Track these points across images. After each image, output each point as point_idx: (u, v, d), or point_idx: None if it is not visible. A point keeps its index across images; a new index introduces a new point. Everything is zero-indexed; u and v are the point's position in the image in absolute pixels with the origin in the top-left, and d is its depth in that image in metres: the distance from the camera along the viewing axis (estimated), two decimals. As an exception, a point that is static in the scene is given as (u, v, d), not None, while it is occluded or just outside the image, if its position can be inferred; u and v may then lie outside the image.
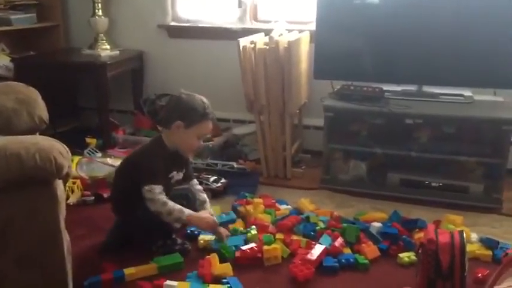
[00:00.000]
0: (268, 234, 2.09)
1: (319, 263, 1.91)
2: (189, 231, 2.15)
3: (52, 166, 1.41)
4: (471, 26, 2.59)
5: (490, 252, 2.01)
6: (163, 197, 1.92)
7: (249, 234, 2.09)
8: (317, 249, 1.95)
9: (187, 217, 1.94)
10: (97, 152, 2.95)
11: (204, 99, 2.05)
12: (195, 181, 2.22)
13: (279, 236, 2.10)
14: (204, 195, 2.17)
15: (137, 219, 1.96)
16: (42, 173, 1.41)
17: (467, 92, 2.77)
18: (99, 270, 1.85)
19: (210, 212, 2.09)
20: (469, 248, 1.86)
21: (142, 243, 2.03)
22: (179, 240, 2.06)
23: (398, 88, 2.84)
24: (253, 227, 2.14)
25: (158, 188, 1.92)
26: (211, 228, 2.00)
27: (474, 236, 2.12)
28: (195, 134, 2.02)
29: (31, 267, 1.49)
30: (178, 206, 1.93)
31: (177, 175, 2.09)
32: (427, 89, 2.78)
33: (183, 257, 1.95)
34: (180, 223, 2.02)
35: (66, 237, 1.57)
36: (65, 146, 1.52)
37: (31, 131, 1.79)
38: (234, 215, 2.28)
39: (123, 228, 2.04)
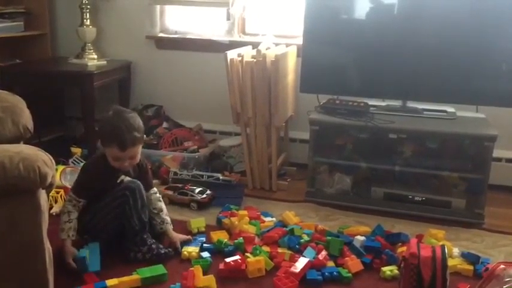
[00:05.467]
0: (256, 245, 2.10)
1: (302, 275, 1.91)
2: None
3: (36, 175, 1.41)
4: (455, 44, 2.64)
5: (471, 267, 2.03)
6: (69, 206, 2.00)
7: (236, 241, 2.11)
8: (301, 262, 1.96)
9: (62, 238, 1.96)
10: (82, 162, 2.93)
11: (124, 123, 1.96)
12: (155, 189, 2.23)
13: (265, 248, 2.11)
14: (161, 204, 2.19)
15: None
16: (26, 182, 1.40)
17: (450, 108, 2.82)
18: (81, 282, 1.83)
19: (167, 222, 2.16)
20: (450, 262, 1.89)
21: (127, 252, 2.04)
22: (161, 245, 2.07)
23: (383, 103, 2.88)
24: (241, 238, 2.14)
25: (74, 199, 2.01)
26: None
27: (456, 251, 2.14)
28: (108, 155, 2.01)
29: (12, 278, 1.48)
30: (66, 225, 1.96)
31: (126, 178, 2.12)
32: (411, 104, 2.82)
33: (165, 264, 1.96)
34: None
35: (48, 247, 1.56)
36: (49, 155, 1.51)
37: (15, 140, 1.78)
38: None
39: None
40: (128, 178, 2.11)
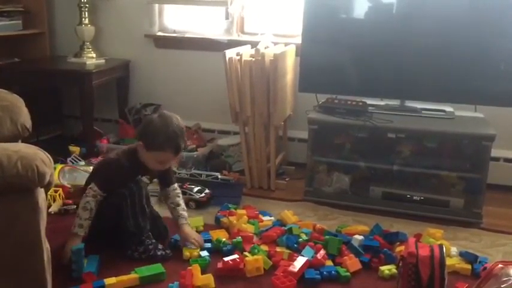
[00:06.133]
0: (254, 244, 2.11)
1: (301, 275, 1.92)
2: (172, 239, 2.15)
3: (34, 174, 1.41)
4: (453, 43, 2.64)
5: (469, 266, 2.04)
6: (92, 202, 1.98)
7: (234, 240, 2.11)
8: (299, 261, 1.96)
9: (73, 233, 1.96)
10: (80, 161, 2.93)
11: (178, 129, 2.00)
12: (175, 186, 2.23)
13: (263, 247, 2.11)
14: (178, 199, 2.20)
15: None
16: (24, 181, 1.40)
17: (448, 108, 2.82)
18: (79, 281, 1.83)
19: (182, 217, 2.15)
20: (448, 261, 1.89)
21: (124, 251, 2.04)
22: (160, 246, 2.06)
23: (382, 102, 2.88)
24: (239, 237, 2.14)
25: (98, 191, 1.99)
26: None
27: (454, 250, 2.15)
28: (153, 158, 2.03)
29: (10, 277, 1.47)
30: (86, 223, 1.97)
31: (147, 179, 2.14)
32: (410, 103, 2.83)
33: (163, 263, 1.96)
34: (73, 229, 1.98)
35: (46, 246, 1.56)
36: (47, 154, 1.51)
37: (14, 139, 1.78)
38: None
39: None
40: (144, 178, 2.12)
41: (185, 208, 2.21)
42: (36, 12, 3.47)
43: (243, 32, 3.40)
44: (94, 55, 3.40)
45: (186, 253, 2.05)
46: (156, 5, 3.49)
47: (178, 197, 2.22)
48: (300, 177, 2.91)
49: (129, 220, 2.02)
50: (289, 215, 2.42)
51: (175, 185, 2.24)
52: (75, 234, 1.95)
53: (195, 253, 2.05)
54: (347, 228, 2.34)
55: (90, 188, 2.02)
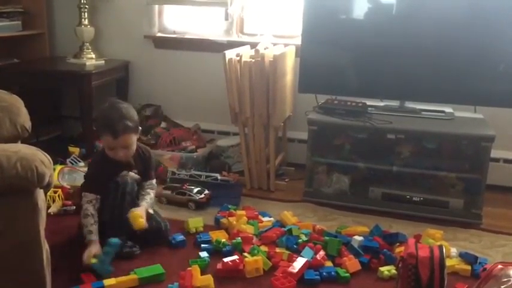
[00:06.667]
0: (254, 245, 2.11)
1: (300, 275, 1.92)
2: (172, 241, 2.15)
3: (33, 175, 1.40)
4: (453, 44, 2.64)
5: (468, 267, 2.04)
6: (89, 207, 2.01)
7: (234, 241, 2.12)
8: (299, 262, 1.96)
9: (87, 241, 1.96)
10: (79, 161, 2.93)
11: (117, 113, 2.02)
12: (153, 181, 2.25)
13: (263, 248, 2.11)
14: (149, 191, 2.19)
15: None
16: (23, 182, 1.40)
17: (448, 109, 2.82)
18: (78, 281, 1.82)
19: (144, 200, 2.13)
20: (448, 262, 1.90)
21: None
22: (129, 243, 2.06)
23: (381, 103, 2.88)
24: (239, 238, 2.14)
25: (90, 196, 2.03)
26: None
27: (453, 251, 2.15)
28: (104, 146, 2.08)
29: (9, 277, 1.47)
30: (93, 227, 1.98)
31: (133, 173, 2.15)
32: (409, 104, 2.83)
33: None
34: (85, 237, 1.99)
35: (45, 247, 1.56)
36: (47, 155, 1.51)
37: (13, 139, 1.78)
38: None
39: None
40: (131, 173, 2.13)
41: (152, 199, 2.20)
42: (36, 13, 3.46)
43: (242, 32, 3.40)
44: (93, 56, 3.40)
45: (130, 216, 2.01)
46: (156, 6, 3.49)
47: (151, 189, 2.23)
48: (300, 178, 2.91)
49: (104, 211, 2.05)
50: (289, 216, 2.42)
51: (154, 180, 2.27)
52: (89, 241, 1.96)
53: (141, 220, 1.99)
54: (347, 229, 2.34)
55: (83, 197, 2.05)
